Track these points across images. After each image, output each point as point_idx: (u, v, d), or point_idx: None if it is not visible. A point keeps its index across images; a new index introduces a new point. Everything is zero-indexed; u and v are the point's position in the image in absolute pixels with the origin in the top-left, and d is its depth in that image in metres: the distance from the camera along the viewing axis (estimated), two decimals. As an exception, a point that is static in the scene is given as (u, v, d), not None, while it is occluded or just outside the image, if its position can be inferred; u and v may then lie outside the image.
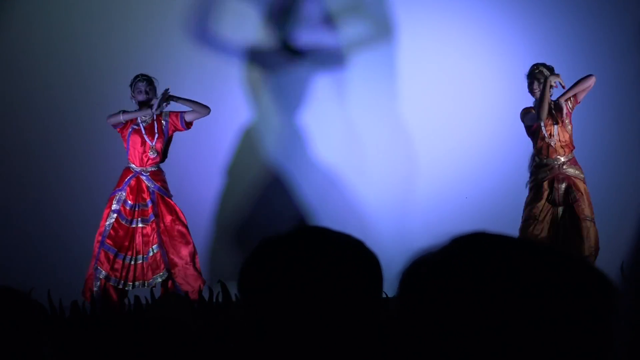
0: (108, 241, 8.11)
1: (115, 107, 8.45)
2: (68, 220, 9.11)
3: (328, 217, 9.45)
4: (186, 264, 8.12)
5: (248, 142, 9.65)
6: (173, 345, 2.76)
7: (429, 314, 1.18)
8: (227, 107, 9.57)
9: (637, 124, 9.26)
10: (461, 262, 1.21)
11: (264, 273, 1.52)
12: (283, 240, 1.54)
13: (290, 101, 9.70)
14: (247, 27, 9.61)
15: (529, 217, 8.11)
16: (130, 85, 8.25)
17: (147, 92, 8.19)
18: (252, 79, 9.67)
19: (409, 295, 1.22)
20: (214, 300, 7.49)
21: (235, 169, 9.64)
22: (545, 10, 9.54)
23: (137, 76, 8.25)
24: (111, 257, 8.07)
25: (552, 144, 8.09)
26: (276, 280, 1.50)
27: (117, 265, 8.08)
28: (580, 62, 9.33)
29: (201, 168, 9.47)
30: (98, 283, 8.03)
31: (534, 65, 8.17)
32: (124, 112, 8.23)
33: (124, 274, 8.09)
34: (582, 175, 8.13)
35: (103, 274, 8.05)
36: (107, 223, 8.17)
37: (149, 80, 8.23)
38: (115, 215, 8.16)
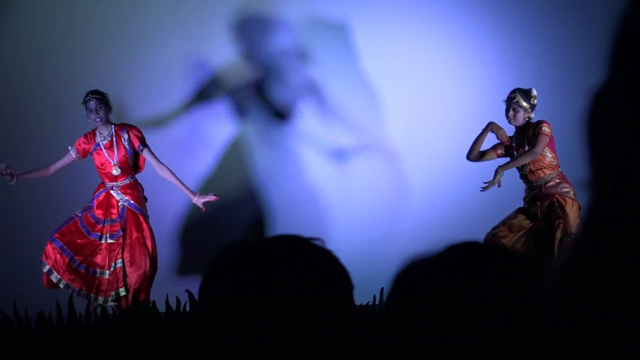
0: (56, 235, 8.06)
1: (76, 111, 8.40)
2: (35, 231, 9.04)
3: (307, 224, 9.44)
4: (137, 283, 8.08)
5: (230, 151, 9.63)
6: (139, 354, 2.74)
7: (420, 318, 1.18)
8: (205, 115, 9.55)
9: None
10: (455, 269, 1.21)
11: (225, 283, 1.51)
12: (246, 250, 1.53)
13: (271, 111, 9.69)
14: (224, 39, 9.60)
15: (501, 224, 8.13)
16: (83, 104, 8.13)
17: (97, 111, 8.04)
18: (231, 89, 9.66)
19: (401, 299, 1.22)
20: (181, 310, 7.46)
21: (212, 176, 9.61)
22: (522, 21, 9.59)
23: (87, 94, 8.10)
24: (56, 249, 8.02)
25: (526, 171, 8.10)
26: (238, 291, 1.49)
27: (60, 261, 8.03)
28: (553, 71, 9.38)
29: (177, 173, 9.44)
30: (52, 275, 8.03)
31: (512, 91, 8.15)
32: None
33: (69, 275, 8.03)
34: (570, 192, 8.03)
35: (47, 267, 8.02)
36: (64, 221, 8.13)
37: (98, 99, 8.05)
38: (75, 218, 8.13)
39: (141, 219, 8.17)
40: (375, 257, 9.36)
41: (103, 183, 8.20)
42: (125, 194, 8.14)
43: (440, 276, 1.21)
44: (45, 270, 8.02)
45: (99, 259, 8.09)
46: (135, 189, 8.21)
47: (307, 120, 9.69)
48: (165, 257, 9.26)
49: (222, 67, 9.66)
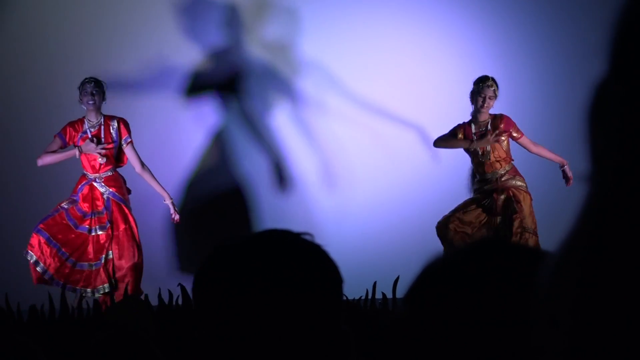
0: (41, 226, 8.07)
1: (69, 109, 8.43)
2: (26, 224, 9.03)
3: (301, 220, 9.45)
4: (128, 276, 8.08)
5: (214, 144, 9.62)
6: (131, 348, 2.74)
7: (442, 318, 1.18)
8: (191, 111, 9.55)
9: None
10: (478, 268, 1.20)
11: (218, 279, 1.51)
12: (239, 245, 1.53)
13: (255, 106, 9.68)
14: (208, 32, 9.60)
15: (454, 213, 8.14)
16: (79, 88, 8.18)
17: (93, 94, 8.09)
18: (215, 82, 9.65)
19: (423, 299, 1.21)
20: (174, 303, 7.46)
21: (199, 172, 9.60)
22: (506, 13, 9.58)
23: (85, 78, 8.17)
24: (42, 240, 8.03)
25: (487, 160, 8.15)
26: (231, 286, 1.49)
27: (47, 252, 8.03)
28: (552, 64, 9.39)
29: (165, 169, 9.42)
30: (38, 268, 8.03)
31: (488, 77, 8.18)
32: (48, 152, 8.16)
33: (55, 265, 8.03)
34: (523, 185, 8.17)
35: (34, 258, 8.01)
36: (50, 213, 8.12)
37: (97, 83, 8.13)
38: (61, 210, 8.12)
39: (126, 210, 8.20)
40: (368, 252, 9.36)
41: (84, 175, 8.21)
42: (109, 186, 8.16)
43: (465, 273, 1.20)
44: (32, 261, 8.04)
45: (89, 252, 8.10)
46: (118, 181, 8.23)
47: (296, 115, 9.69)
48: (159, 251, 9.27)
49: (202, 62, 9.65)
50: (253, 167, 9.66)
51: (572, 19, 9.42)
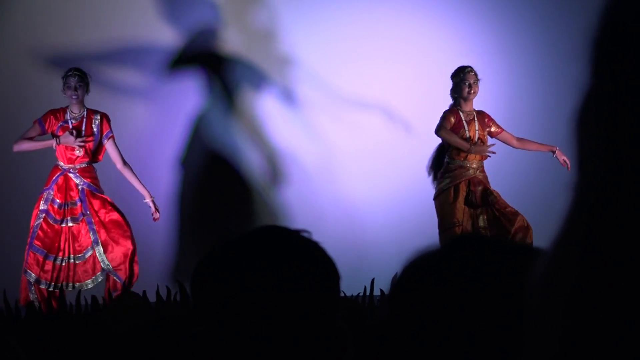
0: (36, 242, 7.98)
1: (43, 101, 8.39)
2: (21, 220, 9.03)
3: (299, 217, 9.45)
4: (124, 256, 8.02)
5: (214, 140, 9.62)
6: (129, 344, 2.75)
7: (425, 314, 1.18)
8: (183, 103, 9.55)
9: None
10: (461, 263, 1.20)
11: (216, 275, 1.51)
12: (236, 242, 1.54)
13: (262, 104, 9.68)
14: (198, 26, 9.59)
15: (452, 224, 8.15)
16: (62, 78, 8.10)
17: (76, 89, 8.02)
18: (214, 71, 9.65)
19: (407, 295, 1.21)
20: (172, 299, 7.47)
21: (195, 167, 9.60)
22: (512, 13, 9.58)
23: (69, 70, 8.08)
24: (40, 258, 7.95)
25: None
26: (229, 283, 1.50)
27: (48, 267, 7.96)
28: (543, 67, 9.39)
29: (159, 164, 9.42)
30: (32, 288, 7.94)
31: (466, 66, 8.19)
32: (27, 139, 8.08)
33: (54, 275, 7.97)
34: (488, 182, 8.26)
35: (33, 277, 7.94)
36: (35, 224, 8.03)
37: (79, 76, 8.03)
38: (43, 215, 8.04)
39: (104, 196, 8.12)
40: (366, 249, 9.37)
41: (58, 166, 8.12)
42: (84, 177, 8.08)
43: (445, 271, 1.20)
44: (32, 280, 7.94)
45: (67, 244, 8.03)
46: (92, 172, 8.16)
47: (298, 112, 9.68)
48: (156, 248, 9.26)
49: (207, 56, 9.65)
50: (249, 164, 9.65)
51: (566, 19, 9.41)
